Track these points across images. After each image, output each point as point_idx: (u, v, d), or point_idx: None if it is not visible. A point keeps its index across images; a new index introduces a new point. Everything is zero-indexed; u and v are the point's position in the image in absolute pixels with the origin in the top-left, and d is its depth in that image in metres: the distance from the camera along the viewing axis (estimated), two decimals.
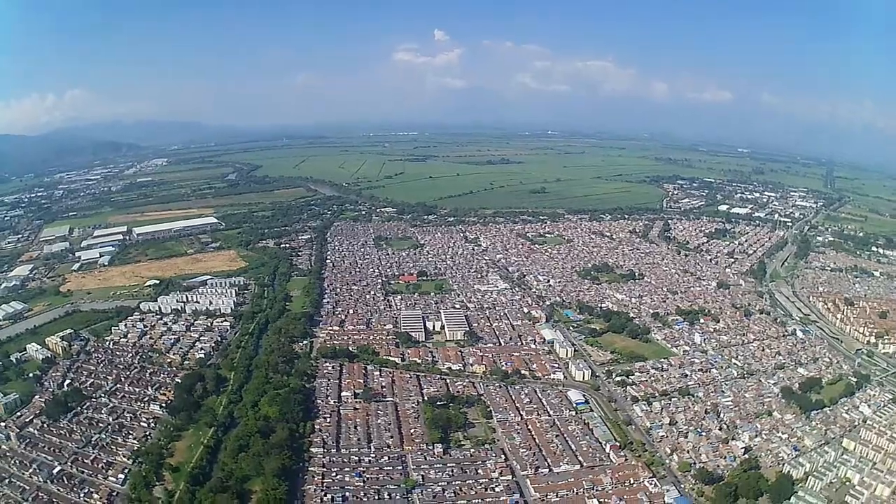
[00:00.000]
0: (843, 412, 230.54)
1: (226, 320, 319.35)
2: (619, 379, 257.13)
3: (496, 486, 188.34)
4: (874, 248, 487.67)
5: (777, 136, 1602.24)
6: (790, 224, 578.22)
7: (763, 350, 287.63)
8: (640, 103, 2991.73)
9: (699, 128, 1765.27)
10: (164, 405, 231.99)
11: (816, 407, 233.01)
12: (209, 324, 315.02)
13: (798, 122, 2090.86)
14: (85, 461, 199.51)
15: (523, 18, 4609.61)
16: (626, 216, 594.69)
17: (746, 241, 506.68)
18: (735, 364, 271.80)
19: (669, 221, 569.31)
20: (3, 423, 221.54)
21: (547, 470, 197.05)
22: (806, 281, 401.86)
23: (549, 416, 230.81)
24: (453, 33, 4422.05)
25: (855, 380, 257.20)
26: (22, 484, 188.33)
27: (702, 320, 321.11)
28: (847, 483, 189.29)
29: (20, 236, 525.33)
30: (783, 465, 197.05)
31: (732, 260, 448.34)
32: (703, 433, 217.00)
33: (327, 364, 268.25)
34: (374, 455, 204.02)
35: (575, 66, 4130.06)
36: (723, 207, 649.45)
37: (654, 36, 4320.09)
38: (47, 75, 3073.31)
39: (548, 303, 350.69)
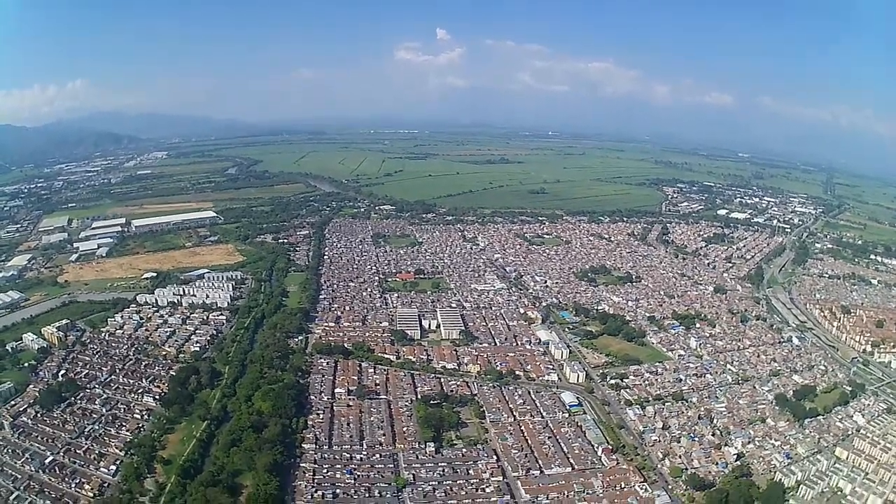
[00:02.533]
0: (836, 421, 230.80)
1: (222, 314, 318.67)
2: (613, 382, 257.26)
3: (487, 486, 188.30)
4: (872, 256, 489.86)
5: (778, 141, 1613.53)
6: (789, 230, 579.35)
7: (758, 356, 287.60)
8: (641, 105, 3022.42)
9: (700, 131, 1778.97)
10: (158, 397, 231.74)
11: (810, 415, 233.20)
12: (205, 317, 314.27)
13: (799, 128, 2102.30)
14: (77, 451, 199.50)
15: (525, 18, 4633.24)
16: (625, 219, 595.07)
17: (745, 246, 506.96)
18: (730, 370, 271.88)
19: (668, 225, 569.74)
20: None
21: (538, 472, 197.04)
22: (803, 288, 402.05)
23: (542, 417, 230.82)
24: (455, 32, 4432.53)
25: (850, 389, 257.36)
26: (14, 473, 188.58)
27: (698, 325, 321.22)
28: (839, 492, 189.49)
29: (19, 226, 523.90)
30: (775, 472, 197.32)
31: (730, 265, 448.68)
32: (696, 438, 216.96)
33: (322, 360, 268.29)
34: (365, 452, 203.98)
35: (576, 66, 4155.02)
36: (722, 212, 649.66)
37: (656, 38, 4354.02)
38: (50, 66, 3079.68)
39: (544, 304, 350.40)
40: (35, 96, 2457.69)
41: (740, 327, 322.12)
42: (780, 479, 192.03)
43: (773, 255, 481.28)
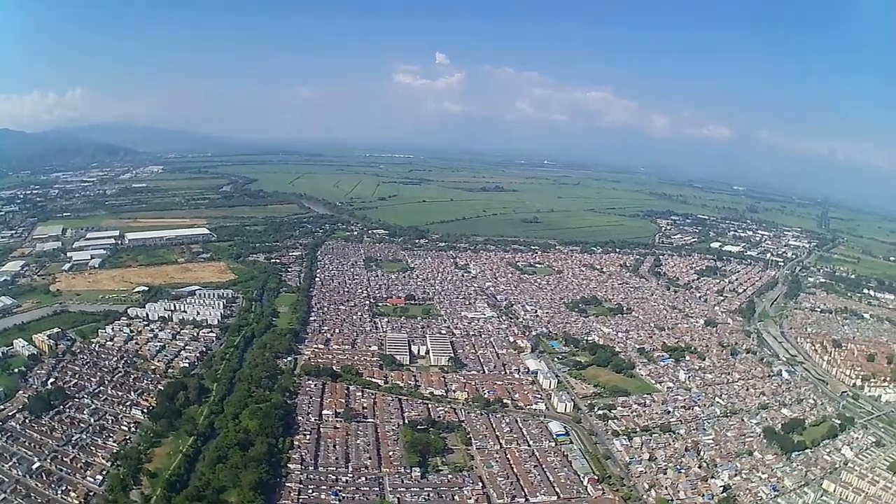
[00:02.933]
0: (824, 454, 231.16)
1: (212, 331, 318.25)
2: (601, 412, 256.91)
3: None
4: (865, 290, 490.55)
5: (774, 174, 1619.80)
6: (782, 263, 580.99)
7: (747, 389, 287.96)
8: (637, 136, 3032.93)
9: (696, 163, 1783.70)
10: (145, 411, 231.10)
11: (798, 448, 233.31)
12: (195, 334, 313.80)
13: (796, 161, 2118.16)
14: (64, 459, 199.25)
15: (525, 45, 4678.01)
16: (618, 250, 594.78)
17: (737, 279, 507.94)
18: (718, 402, 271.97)
19: (661, 257, 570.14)
20: None
21: (523, 500, 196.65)
22: (794, 321, 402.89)
23: (529, 446, 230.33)
24: (454, 56, 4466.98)
25: (839, 422, 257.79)
26: (1, 476, 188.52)
27: (687, 357, 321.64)
28: None
29: (13, 232, 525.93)
30: None
31: (722, 298, 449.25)
32: (683, 470, 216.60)
33: (310, 381, 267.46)
34: (351, 475, 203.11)
35: (574, 95, 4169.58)
36: (715, 245, 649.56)
37: (655, 70, 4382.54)
38: (51, 72, 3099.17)
39: (534, 333, 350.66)
40: (35, 102, 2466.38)
41: (730, 360, 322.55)
42: None
43: (766, 289, 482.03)
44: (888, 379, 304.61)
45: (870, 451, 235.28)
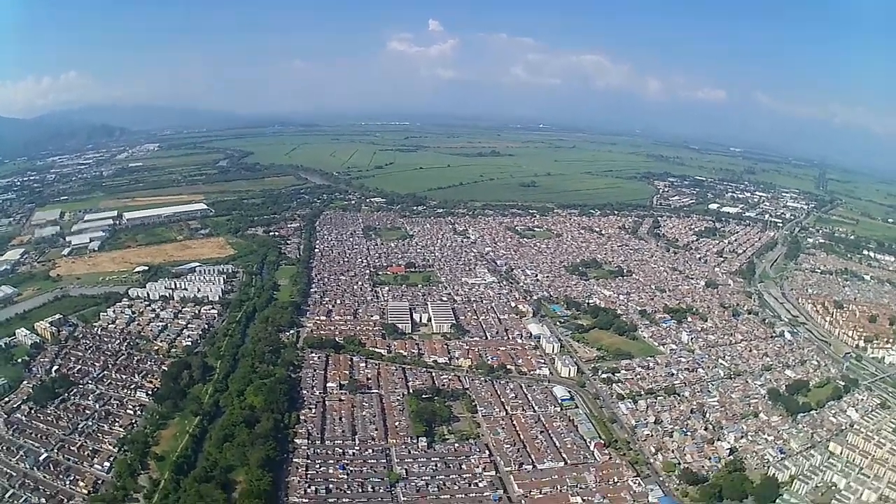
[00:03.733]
0: (830, 416, 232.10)
1: (213, 308, 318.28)
2: (605, 376, 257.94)
3: (479, 481, 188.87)
4: (865, 252, 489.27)
5: (770, 136, 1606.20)
6: (781, 225, 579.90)
7: (750, 351, 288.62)
8: (632, 99, 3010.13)
9: (692, 126, 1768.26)
10: (150, 393, 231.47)
11: (803, 410, 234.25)
12: (197, 311, 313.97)
13: (791, 123, 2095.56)
14: (71, 448, 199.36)
15: (518, 11, 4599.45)
16: (616, 212, 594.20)
17: (736, 240, 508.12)
18: (722, 364, 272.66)
19: (659, 219, 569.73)
20: None
21: (531, 466, 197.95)
22: (795, 283, 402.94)
23: (534, 412, 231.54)
24: (448, 24, 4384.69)
25: (843, 383, 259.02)
26: (8, 470, 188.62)
27: (689, 319, 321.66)
28: (833, 487, 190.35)
29: (12, 220, 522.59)
30: (768, 467, 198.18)
31: (721, 259, 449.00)
32: (689, 433, 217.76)
33: (313, 354, 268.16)
34: (358, 447, 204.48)
35: (568, 59, 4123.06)
36: (713, 206, 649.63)
37: (649, 32, 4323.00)
38: (43, 57, 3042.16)
39: (535, 297, 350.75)
40: (29, 88, 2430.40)
41: (732, 322, 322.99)
42: (774, 474, 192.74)
43: (765, 250, 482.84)
44: (891, 340, 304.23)
45: (875, 412, 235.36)
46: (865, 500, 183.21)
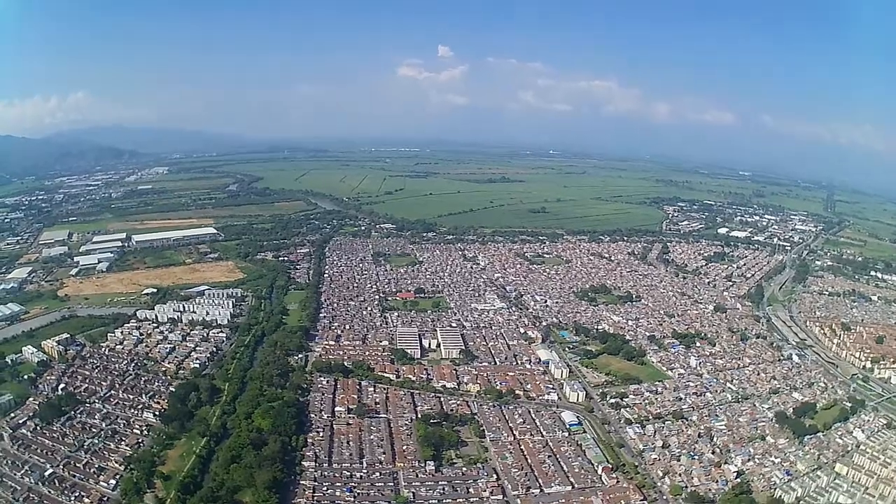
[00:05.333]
0: (836, 437, 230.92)
1: (222, 331, 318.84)
2: (613, 401, 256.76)
3: None
4: (873, 273, 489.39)
5: (778, 159, 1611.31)
6: (789, 248, 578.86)
7: (758, 374, 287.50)
8: (642, 124, 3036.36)
9: (701, 150, 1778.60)
10: (157, 413, 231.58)
11: (810, 432, 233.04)
12: (205, 334, 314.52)
13: (799, 146, 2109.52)
14: (77, 465, 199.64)
15: (527, 36, 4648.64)
16: (626, 238, 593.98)
17: (745, 264, 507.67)
18: (730, 388, 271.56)
19: (668, 244, 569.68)
20: None
21: (538, 490, 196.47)
22: (803, 305, 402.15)
23: (542, 436, 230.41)
24: (457, 49, 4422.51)
25: (849, 405, 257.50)
26: (14, 485, 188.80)
27: (698, 344, 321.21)
28: None
29: (20, 238, 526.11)
30: (775, 489, 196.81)
31: (730, 283, 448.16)
32: (696, 457, 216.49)
33: (322, 378, 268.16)
34: (365, 471, 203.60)
35: (578, 85, 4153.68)
36: (722, 230, 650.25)
37: (658, 57, 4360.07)
38: (52, 76, 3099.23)
39: (544, 323, 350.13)
40: (37, 107, 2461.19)
41: (740, 346, 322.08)
42: (781, 496, 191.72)
43: (774, 273, 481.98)
44: None
45: (881, 433, 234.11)
46: None
